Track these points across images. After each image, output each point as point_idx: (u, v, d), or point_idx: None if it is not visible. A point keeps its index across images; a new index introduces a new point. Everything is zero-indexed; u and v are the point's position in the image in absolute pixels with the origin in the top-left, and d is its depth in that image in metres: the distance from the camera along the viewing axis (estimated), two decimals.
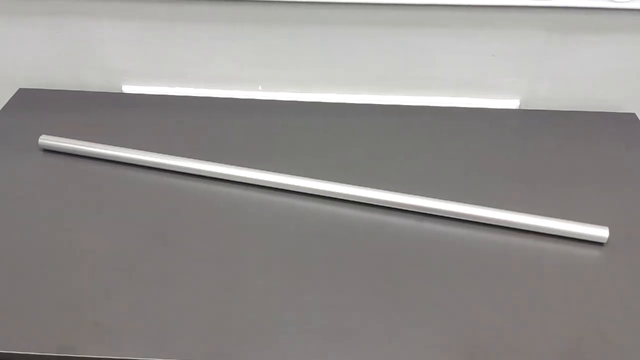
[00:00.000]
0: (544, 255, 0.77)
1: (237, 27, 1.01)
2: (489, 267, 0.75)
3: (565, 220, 0.79)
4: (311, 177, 0.85)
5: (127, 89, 1.10)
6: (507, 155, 0.94)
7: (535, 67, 1.02)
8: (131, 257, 0.76)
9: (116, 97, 1.08)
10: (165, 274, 0.74)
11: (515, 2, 0.93)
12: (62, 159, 0.93)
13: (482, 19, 0.96)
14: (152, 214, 0.83)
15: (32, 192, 0.86)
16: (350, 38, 1.00)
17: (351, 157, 0.93)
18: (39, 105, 1.05)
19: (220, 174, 0.87)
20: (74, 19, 1.02)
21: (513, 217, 0.79)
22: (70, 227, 0.80)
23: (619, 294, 0.72)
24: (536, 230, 0.79)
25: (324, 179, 0.85)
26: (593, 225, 0.78)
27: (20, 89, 1.10)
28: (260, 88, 1.09)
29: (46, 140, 0.93)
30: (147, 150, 0.90)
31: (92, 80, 1.10)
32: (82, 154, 0.92)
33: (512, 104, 1.06)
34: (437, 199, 0.82)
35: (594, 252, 0.78)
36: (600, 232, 0.78)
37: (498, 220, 0.80)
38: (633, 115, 1.03)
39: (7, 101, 1.06)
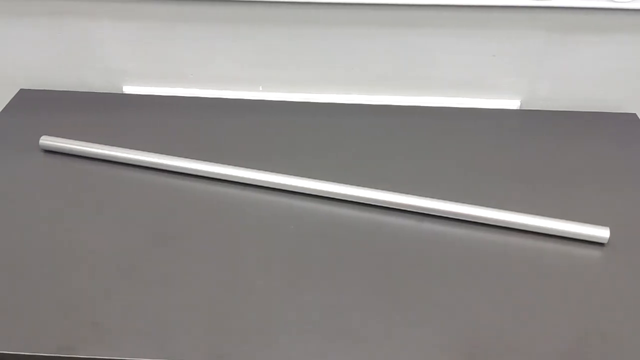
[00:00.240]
0: (544, 255, 0.77)
1: (237, 27, 1.01)
2: (489, 267, 0.75)
3: (566, 221, 0.79)
4: (311, 178, 0.85)
5: (128, 89, 1.10)
6: (507, 156, 0.94)
7: (535, 67, 1.02)
8: (131, 257, 0.76)
9: (117, 98, 1.08)
10: (165, 274, 0.74)
11: (515, 2, 0.93)
12: (62, 159, 0.93)
13: (482, 19, 0.96)
14: (152, 215, 0.83)
15: (33, 192, 0.86)
16: (350, 38, 1.00)
17: (351, 157, 0.93)
18: (40, 105, 1.05)
19: (221, 174, 0.87)
20: (74, 20, 1.02)
21: (513, 217, 0.79)
22: (70, 227, 0.80)
23: (620, 294, 0.72)
24: (536, 231, 0.79)
25: (324, 179, 0.85)
26: (594, 225, 0.78)
27: (21, 90, 1.10)
28: (260, 88, 1.09)
29: (47, 140, 0.93)
30: (147, 151, 0.90)
31: (93, 81, 1.10)
32: (83, 155, 0.92)
33: (513, 104, 1.06)
34: (437, 199, 0.82)
35: (594, 252, 0.78)
36: (601, 233, 0.77)
37: (498, 220, 0.80)
38: (633, 115, 1.03)
39: (8, 102, 1.06)
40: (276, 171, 0.87)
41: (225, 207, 0.84)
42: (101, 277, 0.73)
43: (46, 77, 1.10)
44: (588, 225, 0.78)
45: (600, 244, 0.78)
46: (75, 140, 0.93)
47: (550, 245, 0.78)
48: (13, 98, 1.07)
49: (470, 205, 0.81)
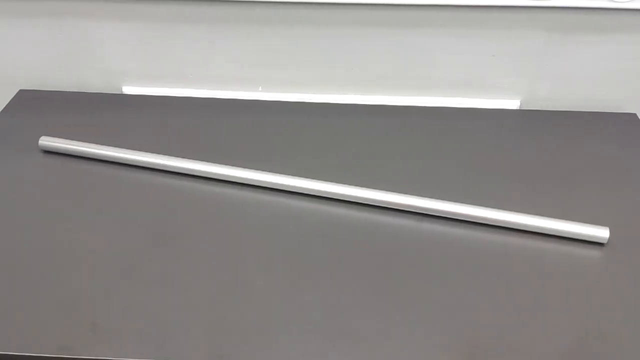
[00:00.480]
0: (544, 255, 0.77)
1: (237, 28, 1.01)
2: (489, 268, 0.75)
3: (566, 221, 0.79)
4: (311, 178, 0.85)
5: (127, 89, 1.10)
6: (507, 156, 0.94)
7: (535, 67, 1.02)
8: (131, 257, 0.76)
9: (116, 98, 1.08)
10: (165, 274, 0.74)
11: (515, 2, 0.93)
12: (62, 160, 0.93)
13: (482, 19, 0.96)
14: (152, 215, 0.83)
15: (32, 192, 0.86)
16: (350, 38, 1.00)
17: (351, 157, 0.93)
18: (39, 106, 1.05)
19: (221, 174, 0.87)
20: (74, 20, 1.02)
21: (513, 217, 0.79)
22: (70, 227, 0.80)
23: (620, 294, 0.72)
24: (536, 231, 0.79)
25: (323, 180, 0.85)
26: (593, 225, 0.78)
27: (20, 90, 1.10)
28: (260, 89, 1.09)
29: (46, 141, 0.93)
30: (147, 151, 0.90)
31: (93, 81, 1.10)
32: (82, 155, 0.92)
33: (513, 104, 1.06)
34: (436, 199, 0.82)
35: (594, 252, 0.78)
36: (601, 233, 0.78)
37: (498, 220, 0.80)
38: (633, 115, 1.03)
39: (7, 102, 1.06)
40: (276, 171, 0.87)
41: (225, 207, 0.84)
42: (101, 277, 0.73)
43: (46, 77, 1.10)
44: (588, 225, 0.78)
45: (600, 244, 0.78)
46: (75, 140, 0.93)
47: (549, 245, 0.78)
48: (12, 98, 1.07)
49: (469, 205, 0.81)
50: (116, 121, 1.01)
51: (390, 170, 0.90)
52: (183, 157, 0.89)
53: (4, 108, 1.05)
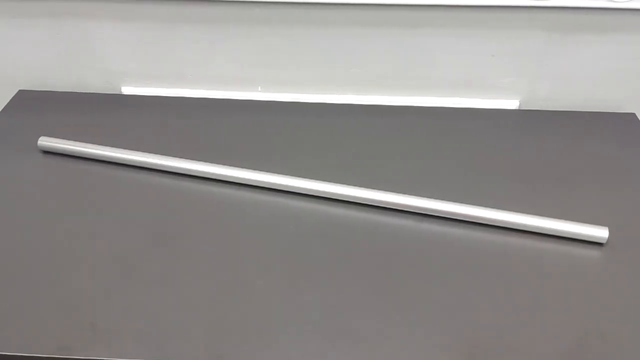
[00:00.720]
0: (543, 255, 0.77)
1: (237, 28, 1.01)
2: (489, 268, 0.75)
3: (565, 221, 0.79)
4: (310, 178, 0.85)
5: (127, 90, 1.10)
6: (507, 156, 0.94)
7: (535, 67, 1.02)
8: (131, 257, 0.76)
9: (116, 99, 1.08)
10: (164, 275, 0.74)
11: (515, 2, 0.93)
12: (61, 160, 0.93)
13: (482, 19, 0.96)
14: (151, 215, 0.83)
15: (32, 193, 0.86)
16: (350, 38, 1.00)
17: (350, 157, 0.93)
18: (39, 106, 1.05)
19: (220, 175, 0.87)
20: (73, 21, 1.02)
21: (513, 217, 0.79)
22: (69, 228, 0.80)
23: (619, 294, 0.72)
24: (536, 231, 0.79)
25: (323, 180, 0.85)
26: (593, 225, 0.78)
27: (20, 90, 1.10)
28: (259, 89, 1.09)
29: (45, 141, 0.93)
30: (146, 152, 0.90)
31: (92, 82, 1.10)
32: (82, 155, 0.92)
33: (512, 104, 1.06)
34: (436, 200, 0.82)
35: (593, 252, 0.78)
36: (600, 233, 0.78)
37: (498, 220, 0.80)
38: (633, 115, 1.03)
39: (6, 102, 1.06)
40: (275, 172, 0.86)
41: (224, 207, 0.84)
42: (101, 277, 0.73)
43: (45, 78, 1.10)
44: (587, 225, 0.78)
45: (600, 244, 0.78)
46: (74, 141, 0.93)
47: (549, 245, 0.78)
48: (12, 99, 1.07)
49: (469, 205, 0.81)
50: (115, 121, 1.01)
51: (389, 170, 0.90)
52: (182, 157, 0.89)
53: (4, 108, 1.05)
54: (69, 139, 0.93)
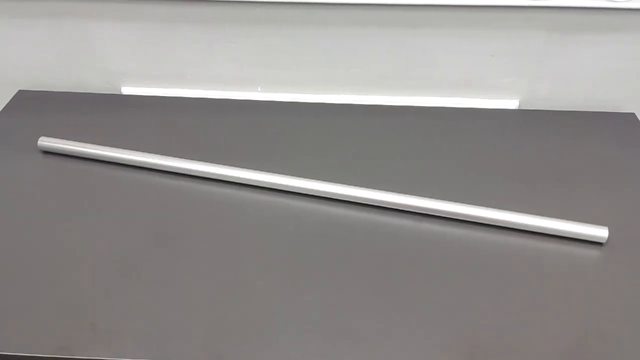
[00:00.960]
0: (543, 255, 0.77)
1: (237, 28, 1.01)
2: (489, 267, 0.75)
3: (565, 220, 0.79)
4: (310, 178, 0.85)
5: (127, 90, 1.10)
6: (507, 156, 0.94)
7: (535, 67, 1.02)
8: (131, 258, 0.76)
9: (115, 99, 1.08)
10: (165, 275, 0.74)
11: (515, 2, 0.93)
12: (61, 160, 0.93)
13: (482, 19, 0.96)
14: (151, 215, 0.83)
15: (32, 193, 0.86)
16: (350, 38, 1.00)
17: (350, 157, 0.93)
18: (39, 106, 1.05)
19: (220, 175, 0.87)
20: (73, 21, 1.02)
21: (512, 217, 0.79)
22: (69, 228, 0.80)
23: (619, 293, 0.72)
24: (535, 231, 0.79)
25: (323, 180, 0.85)
26: (592, 225, 0.78)
27: (19, 91, 1.10)
28: (259, 89, 1.09)
29: (45, 141, 0.93)
30: (146, 152, 0.90)
31: (92, 82, 1.10)
32: (81, 156, 0.92)
33: (512, 104, 1.06)
34: (436, 199, 0.82)
35: (593, 252, 0.78)
36: (600, 232, 0.78)
37: (497, 220, 0.80)
38: (633, 115, 1.03)
39: (6, 102, 1.06)
40: (275, 172, 0.86)
41: (224, 207, 0.84)
42: (101, 277, 0.73)
43: (45, 78, 1.10)
44: (587, 225, 0.78)
45: (599, 244, 0.78)
46: (74, 141, 0.93)
47: (549, 245, 0.78)
48: (12, 99, 1.07)
49: (469, 205, 0.81)
50: (115, 122, 1.01)
51: (389, 170, 0.90)
52: (182, 157, 0.89)
53: (3, 108, 1.05)
54: (68, 139, 0.93)
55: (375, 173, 0.89)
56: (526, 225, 0.79)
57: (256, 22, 0.99)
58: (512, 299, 0.71)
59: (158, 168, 0.89)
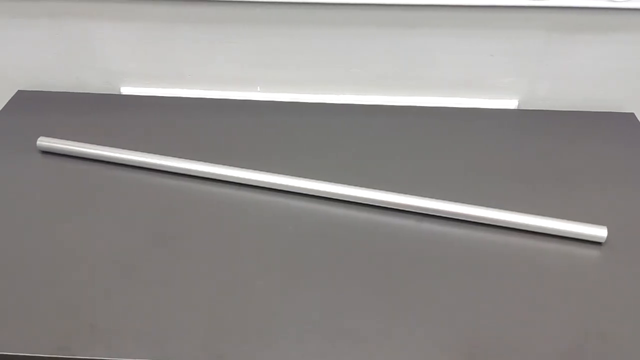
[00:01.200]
0: (542, 255, 0.77)
1: (236, 28, 1.01)
2: (488, 267, 0.75)
3: (564, 220, 0.79)
4: (310, 178, 0.85)
5: (126, 90, 1.10)
6: (506, 155, 0.94)
7: (534, 67, 1.02)
8: (130, 258, 0.76)
9: (115, 99, 1.08)
10: (165, 275, 0.74)
11: (515, 2, 0.93)
12: (60, 160, 0.92)
13: (482, 19, 0.96)
14: (151, 215, 0.82)
15: (31, 193, 0.86)
16: (350, 38, 1.00)
17: (350, 157, 0.93)
18: (38, 106, 1.05)
19: (220, 175, 0.87)
20: (73, 21, 1.02)
21: (512, 217, 0.79)
22: (68, 228, 0.80)
23: (618, 293, 0.72)
24: (535, 230, 0.79)
25: (323, 180, 0.85)
26: (592, 224, 0.78)
27: (19, 91, 1.09)
28: (258, 89, 1.09)
29: (44, 141, 0.93)
30: (146, 152, 0.90)
31: (91, 82, 1.10)
32: (81, 156, 0.92)
33: (511, 104, 1.06)
34: (436, 199, 0.82)
35: (592, 251, 0.78)
36: (599, 232, 0.78)
37: (497, 220, 0.80)
38: (632, 115, 1.03)
39: (5, 102, 1.06)
40: (275, 171, 0.86)
41: (224, 207, 0.84)
42: (101, 278, 0.73)
43: (44, 78, 1.09)
44: (586, 224, 0.78)
45: (598, 243, 0.78)
46: (73, 141, 0.93)
47: (548, 244, 0.78)
48: (11, 99, 1.07)
49: (468, 205, 0.81)
50: (114, 122, 1.01)
51: (389, 170, 0.90)
52: (182, 157, 0.89)
53: (3, 108, 1.04)
54: (68, 139, 0.93)
55: (375, 173, 0.89)
56: (525, 225, 0.79)
57: (256, 22, 0.99)
58: (512, 298, 0.71)
59: (158, 168, 0.89)
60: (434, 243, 0.79)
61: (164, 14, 1.00)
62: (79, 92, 1.09)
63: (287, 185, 0.85)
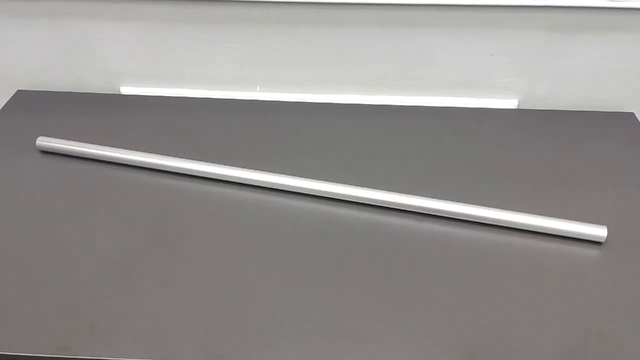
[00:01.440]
0: (542, 254, 0.77)
1: (236, 28, 1.01)
2: (488, 267, 0.75)
3: (564, 220, 0.79)
4: (310, 178, 0.85)
5: (126, 90, 1.10)
6: (506, 155, 0.94)
7: (534, 67, 1.02)
8: (130, 258, 0.76)
9: (114, 99, 1.08)
10: (164, 275, 0.74)
11: (515, 2, 0.93)
12: (60, 160, 0.92)
13: (482, 18, 0.96)
14: (150, 215, 0.82)
15: (30, 193, 0.86)
16: (350, 38, 1.00)
17: (350, 157, 0.93)
18: (37, 106, 1.05)
19: (219, 174, 0.87)
20: (73, 21, 1.02)
21: (512, 216, 0.79)
22: (68, 228, 0.80)
23: (618, 292, 0.72)
24: (535, 230, 0.79)
25: (323, 180, 0.85)
26: (591, 224, 0.78)
27: (18, 90, 1.09)
28: (258, 89, 1.09)
29: (44, 141, 0.93)
30: (145, 152, 0.90)
31: (91, 82, 1.10)
32: (80, 155, 0.92)
33: (511, 103, 1.06)
34: (436, 199, 0.82)
35: (592, 251, 0.78)
36: (599, 232, 0.78)
37: (497, 220, 0.80)
38: (632, 115, 1.03)
39: (5, 102, 1.06)
40: (275, 171, 0.86)
41: (224, 207, 0.84)
42: (101, 278, 0.73)
43: (44, 78, 1.09)
44: (586, 224, 0.78)
45: (598, 243, 0.78)
46: (73, 141, 0.93)
47: (548, 244, 0.78)
48: (11, 99, 1.07)
49: (469, 205, 0.81)
50: (114, 121, 1.01)
51: (389, 169, 0.90)
52: (182, 157, 0.89)
53: (2, 108, 1.04)
54: (67, 139, 0.93)
55: (376, 173, 0.89)
56: (525, 225, 0.79)
57: (256, 22, 0.99)
58: (512, 298, 0.71)
59: (157, 168, 0.89)
60: (434, 243, 0.78)
61: (164, 14, 1.00)
62: (79, 92, 1.09)
63: (287, 185, 0.85)
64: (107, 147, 0.91)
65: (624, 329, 0.68)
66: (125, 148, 0.91)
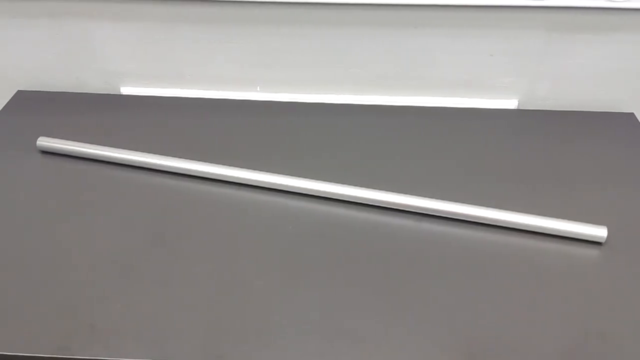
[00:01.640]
0: (542, 255, 0.77)
1: (236, 28, 1.01)
2: (488, 267, 0.75)
3: (564, 220, 0.79)
4: (310, 178, 0.85)
5: (126, 90, 1.10)
6: (506, 155, 0.94)
7: (534, 67, 1.02)
8: (130, 258, 0.76)
9: (114, 99, 1.08)
10: (164, 275, 0.74)
11: (515, 2, 0.93)
12: (60, 160, 0.92)
13: (482, 19, 0.96)
14: (150, 215, 0.82)
15: (31, 193, 0.86)
16: (350, 38, 1.00)
17: (350, 157, 0.93)
18: (38, 106, 1.05)
19: (219, 175, 0.87)
20: (73, 21, 1.02)
21: (512, 217, 0.79)
22: (68, 228, 0.80)
23: (618, 293, 0.72)
24: (535, 230, 0.79)
25: (322, 180, 0.85)
26: (591, 224, 0.78)
27: (18, 91, 1.10)
28: (258, 89, 1.09)
29: (44, 142, 0.93)
30: (145, 152, 0.90)
31: (91, 82, 1.10)
32: (80, 156, 0.92)
33: (511, 104, 1.06)
34: (435, 199, 0.81)
35: (592, 251, 0.78)
36: (599, 232, 0.78)
37: (497, 220, 0.80)
38: (632, 115, 1.03)
39: (5, 103, 1.06)
40: (275, 171, 0.86)
41: (223, 207, 0.84)
42: (100, 278, 0.73)
43: (44, 78, 1.09)
44: (586, 224, 0.78)
45: (598, 243, 0.78)
46: (73, 141, 0.93)
47: (548, 244, 0.78)
48: (11, 99, 1.07)
49: (468, 205, 0.81)
50: (114, 122, 1.01)
51: (389, 170, 0.90)
52: (182, 157, 0.89)
53: (2, 108, 1.05)
54: (67, 139, 0.93)
55: (375, 173, 0.89)
56: (525, 225, 0.79)
57: (256, 22, 0.99)
58: (512, 298, 0.71)
59: (157, 168, 0.89)
60: (433, 243, 0.78)
61: (164, 14, 1.00)
62: (78, 92, 1.09)
63: (286, 185, 0.85)
64: (107, 147, 0.91)
65: (624, 329, 0.68)
66: (125, 148, 0.91)
